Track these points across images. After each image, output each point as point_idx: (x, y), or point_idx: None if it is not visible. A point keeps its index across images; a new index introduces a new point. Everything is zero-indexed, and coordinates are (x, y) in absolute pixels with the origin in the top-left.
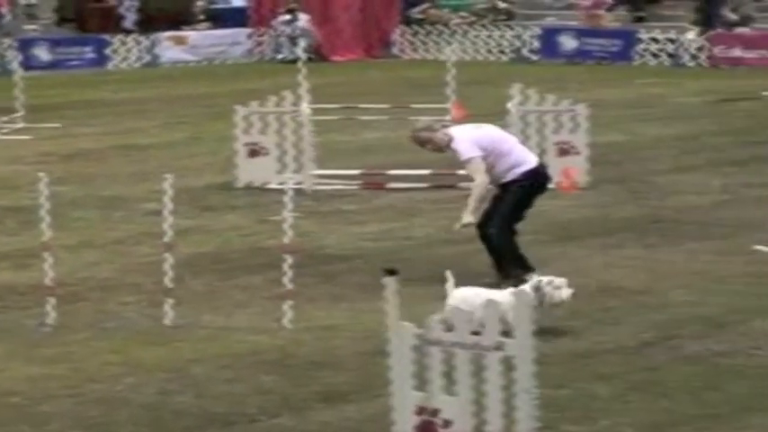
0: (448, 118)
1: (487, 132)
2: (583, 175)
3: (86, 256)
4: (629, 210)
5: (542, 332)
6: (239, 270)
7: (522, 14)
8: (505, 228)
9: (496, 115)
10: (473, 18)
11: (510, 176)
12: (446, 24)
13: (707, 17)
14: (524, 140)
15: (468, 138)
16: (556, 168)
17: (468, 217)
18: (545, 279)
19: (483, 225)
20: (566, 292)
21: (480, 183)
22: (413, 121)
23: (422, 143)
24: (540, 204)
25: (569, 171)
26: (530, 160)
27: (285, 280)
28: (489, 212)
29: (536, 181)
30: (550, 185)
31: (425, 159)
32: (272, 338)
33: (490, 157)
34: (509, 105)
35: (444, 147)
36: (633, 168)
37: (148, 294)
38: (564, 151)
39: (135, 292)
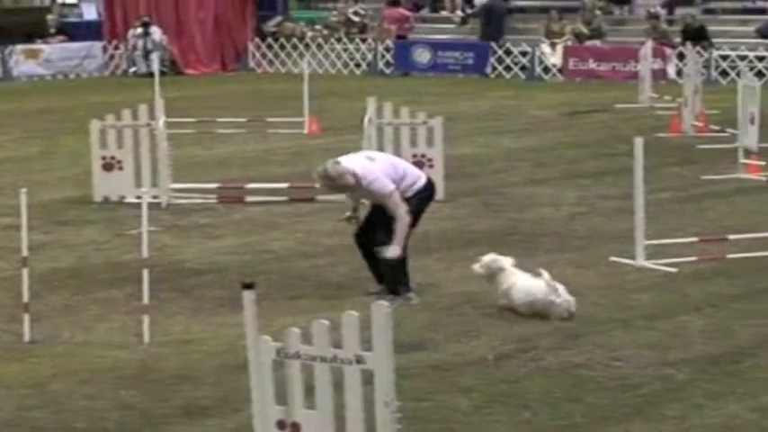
0: (304, 132)
1: (384, 162)
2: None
3: None
4: (486, 222)
5: (401, 345)
6: (97, 285)
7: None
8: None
9: (352, 128)
10: (327, 31)
11: (410, 193)
12: (300, 38)
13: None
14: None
15: (381, 172)
16: None
17: (397, 250)
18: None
19: (364, 235)
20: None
21: (405, 214)
22: (269, 135)
23: (332, 180)
24: None
25: None
26: (421, 174)
27: (143, 294)
28: (375, 224)
29: (432, 192)
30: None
31: (282, 173)
32: (131, 353)
33: (397, 183)
34: (365, 119)
35: (354, 186)
36: (489, 181)
37: (6, 309)
38: (420, 164)
39: None
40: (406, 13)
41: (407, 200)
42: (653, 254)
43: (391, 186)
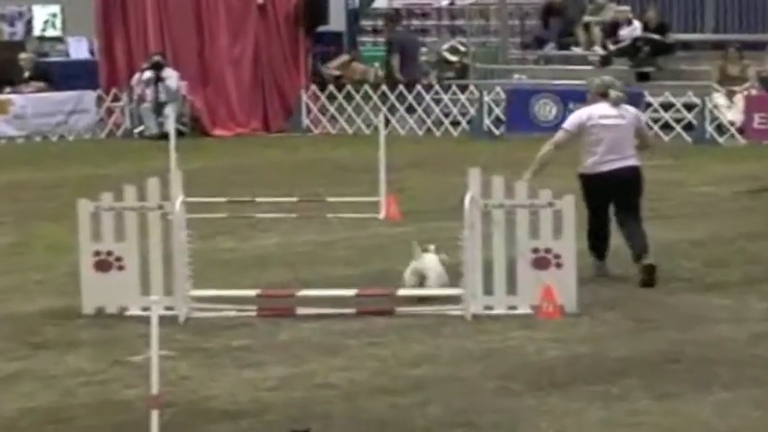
0: (379, 216)
1: None
2: (570, 298)
3: None
4: (636, 345)
5: None
6: None
7: (481, 70)
8: None
9: (447, 212)
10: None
11: None
12: (375, 85)
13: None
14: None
15: None
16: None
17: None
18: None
19: None
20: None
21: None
22: (330, 221)
23: None
24: (509, 337)
25: (551, 290)
26: None
27: None
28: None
29: None
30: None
31: (348, 276)
32: None
33: None
34: (465, 199)
35: None
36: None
37: None
38: (544, 262)
39: None
40: None
41: None
42: None
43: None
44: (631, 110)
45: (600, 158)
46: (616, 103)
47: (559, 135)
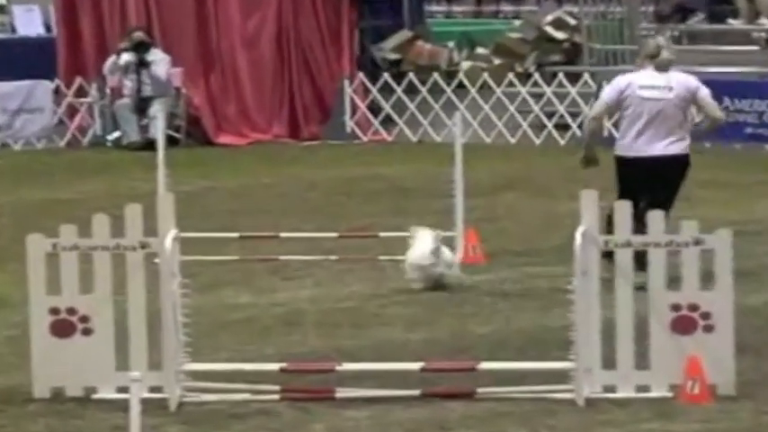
0: (452, 258)
1: None
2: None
3: None
4: None
5: None
6: None
7: (600, 53)
8: None
9: (549, 252)
10: (501, 60)
11: None
12: (451, 72)
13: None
14: None
15: None
16: None
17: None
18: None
19: None
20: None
21: None
22: (382, 264)
23: None
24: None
25: (698, 364)
26: None
27: None
28: None
29: None
30: None
31: (407, 340)
32: None
33: None
34: (577, 235)
35: None
36: None
37: None
38: (686, 324)
39: None
40: None
41: None
42: None
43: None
44: (685, 79)
45: (635, 139)
46: (664, 68)
47: (596, 107)
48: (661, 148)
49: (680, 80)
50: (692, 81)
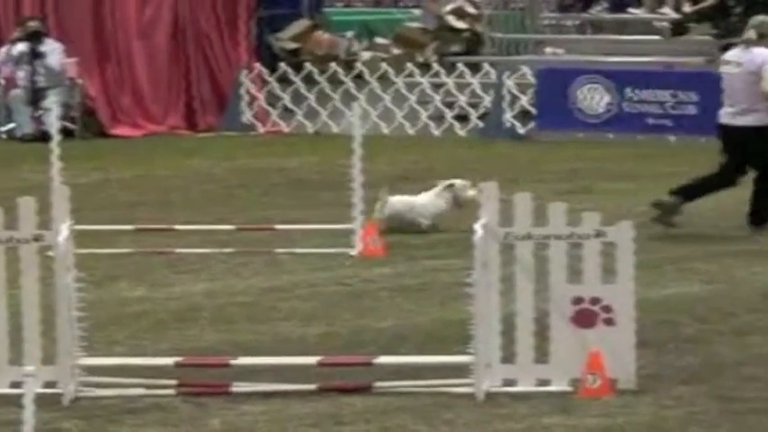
0: (352, 253)
1: None
2: (627, 366)
3: None
4: None
5: None
6: None
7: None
8: None
9: (450, 245)
10: (400, 50)
11: None
12: (349, 63)
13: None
14: None
15: None
16: None
17: None
18: (457, 182)
19: None
20: (472, 192)
21: None
22: (281, 258)
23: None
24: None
25: (598, 358)
26: None
27: None
28: None
29: None
30: None
31: (305, 334)
32: None
33: None
34: (477, 229)
35: None
36: (727, 349)
37: None
38: (588, 317)
39: None
40: None
41: None
42: None
43: None
44: (759, 54)
45: (722, 109)
46: (748, 45)
47: None
48: (735, 118)
49: (755, 56)
50: (759, 57)
